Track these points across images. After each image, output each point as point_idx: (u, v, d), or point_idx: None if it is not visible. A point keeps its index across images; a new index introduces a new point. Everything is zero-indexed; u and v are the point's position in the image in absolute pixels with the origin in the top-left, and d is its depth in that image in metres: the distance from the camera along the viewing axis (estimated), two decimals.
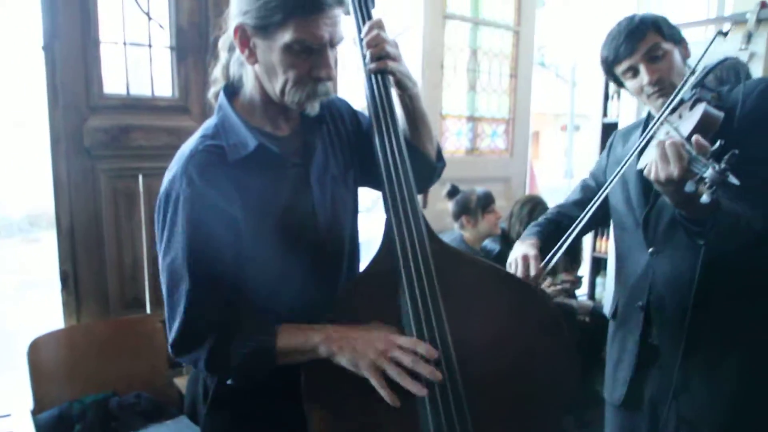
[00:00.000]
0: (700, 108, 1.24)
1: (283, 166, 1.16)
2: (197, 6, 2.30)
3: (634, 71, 1.41)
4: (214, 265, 1.08)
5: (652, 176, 1.13)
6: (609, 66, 1.45)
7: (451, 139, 3.23)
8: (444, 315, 1.09)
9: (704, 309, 1.35)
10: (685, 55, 1.43)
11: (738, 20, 3.17)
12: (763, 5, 3.06)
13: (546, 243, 1.54)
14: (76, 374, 2.14)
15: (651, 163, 1.12)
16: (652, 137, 1.34)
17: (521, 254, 1.43)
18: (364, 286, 1.17)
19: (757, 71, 3.10)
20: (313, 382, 1.07)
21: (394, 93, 1.25)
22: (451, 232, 2.84)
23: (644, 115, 1.61)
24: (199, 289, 1.07)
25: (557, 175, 14.49)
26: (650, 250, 1.47)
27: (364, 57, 1.23)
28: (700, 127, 1.19)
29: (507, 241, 2.87)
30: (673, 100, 1.33)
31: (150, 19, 2.31)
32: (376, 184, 1.24)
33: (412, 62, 3.07)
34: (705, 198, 0.99)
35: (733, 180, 0.97)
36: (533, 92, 3.48)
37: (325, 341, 1.05)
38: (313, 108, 1.15)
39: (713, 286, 1.33)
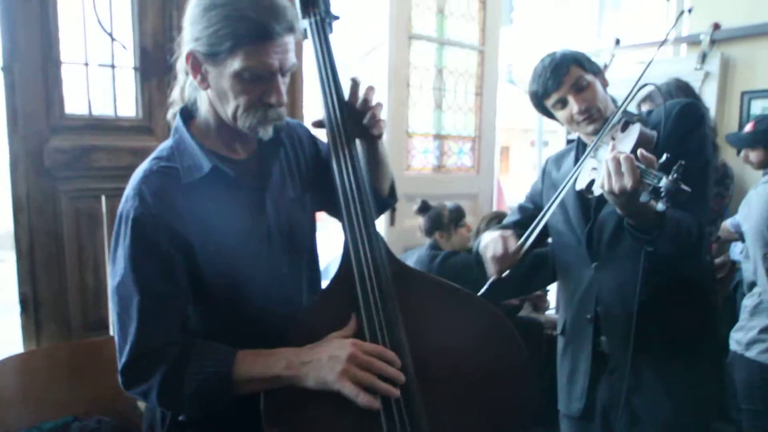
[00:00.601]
0: (636, 128, 1.35)
1: (239, 189, 1.15)
2: (161, 27, 2.29)
3: (563, 102, 1.50)
4: (164, 285, 1.07)
5: (605, 189, 1.19)
6: (539, 100, 1.55)
7: (418, 156, 3.25)
8: (404, 339, 1.09)
9: (648, 313, 1.42)
10: (604, 84, 1.54)
11: (692, 41, 3.28)
12: (715, 26, 3.17)
13: None
14: (35, 399, 2.07)
15: (603, 177, 1.19)
16: (587, 158, 1.42)
17: (498, 234, 1.49)
18: (322, 310, 1.16)
19: (711, 90, 3.20)
20: (274, 406, 1.05)
21: (364, 140, 1.26)
22: (421, 247, 2.85)
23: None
24: (149, 308, 1.05)
25: (527, 189, 14.66)
26: (594, 264, 1.53)
27: (322, 83, 1.24)
28: (639, 144, 1.28)
29: (475, 258, 2.89)
30: (615, 115, 1.43)
31: (113, 39, 2.29)
32: (332, 210, 1.24)
33: (378, 81, 3.10)
34: (660, 206, 1.07)
35: (685, 187, 1.05)
36: (502, 108, 3.54)
37: (287, 369, 1.04)
38: (266, 132, 1.14)
39: (655, 291, 1.42)
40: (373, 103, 1.20)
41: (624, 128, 1.40)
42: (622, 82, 1.63)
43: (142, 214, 1.06)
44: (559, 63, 1.48)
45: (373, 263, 1.12)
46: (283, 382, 1.04)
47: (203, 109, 1.16)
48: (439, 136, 3.32)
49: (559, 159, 1.73)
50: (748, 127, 2.80)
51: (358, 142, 1.26)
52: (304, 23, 1.31)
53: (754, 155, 2.74)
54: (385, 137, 2.97)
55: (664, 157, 1.11)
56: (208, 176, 1.10)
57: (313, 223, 1.35)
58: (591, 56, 1.55)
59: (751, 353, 1.86)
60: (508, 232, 1.50)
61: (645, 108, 2.30)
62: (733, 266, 2.76)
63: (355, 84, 1.21)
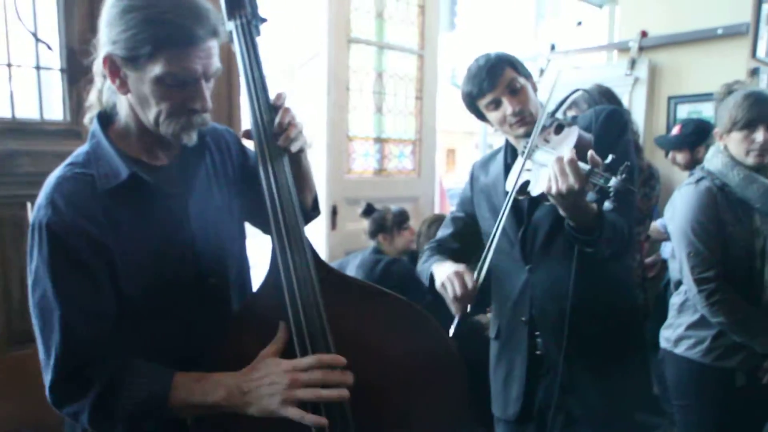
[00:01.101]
0: (574, 130, 1.35)
1: (160, 196, 1.11)
2: (89, 26, 2.20)
3: (497, 104, 1.50)
4: (87, 297, 1.02)
5: (553, 191, 1.20)
6: (472, 100, 1.54)
7: (359, 160, 3.24)
8: (332, 344, 1.07)
9: (580, 313, 1.45)
10: (534, 88, 1.56)
11: (622, 48, 3.39)
12: (643, 34, 3.28)
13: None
14: None
15: (550, 179, 1.21)
16: (526, 159, 1.43)
17: (452, 271, 1.45)
18: (250, 322, 1.13)
19: (640, 95, 3.31)
20: (203, 428, 1.04)
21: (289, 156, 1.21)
22: (364, 251, 2.84)
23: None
24: (73, 321, 1.00)
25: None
26: (528, 266, 1.54)
27: (248, 88, 1.19)
28: (579, 147, 1.29)
29: (415, 261, 2.90)
30: (542, 118, 1.44)
31: (38, 40, 2.19)
32: (258, 220, 1.21)
33: (318, 85, 3.07)
34: (608, 204, 1.11)
35: (632, 187, 1.09)
36: (447, 111, 3.56)
37: (227, 398, 1.01)
38: (190, 139, 1.10)
39: (586, 292, 1.44)
40: (288, 120, 1.15)
41: (558, 131, 1.42)
42: (560, 87, 1.65)
43: (56, 222, 1.01)
44: (495, 64, 1.48)
45: (300, 271, 1.09)
46: (222, 410, 1.01)
47: (123, 114, 1.11)
48: (379, 140, 3.32)
49: (485, 164, 1.73)
50: (675, 130, 2.91)
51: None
52: (229, 26, 1.25)
53: (680, 157, 2.85)
54: (325, 141, 2.97)
55: (610, 158, 1.14)
56: (126, 183, 1.05)
57: (243, 230, 1.31)
58: (527, 61, 1.58)
59: (680, 350, 1.90)
60: (462, 267, 1.46)
61: (571, 113, 2.36)
62: (664, 265, 2.86)
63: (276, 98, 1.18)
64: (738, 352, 1.82)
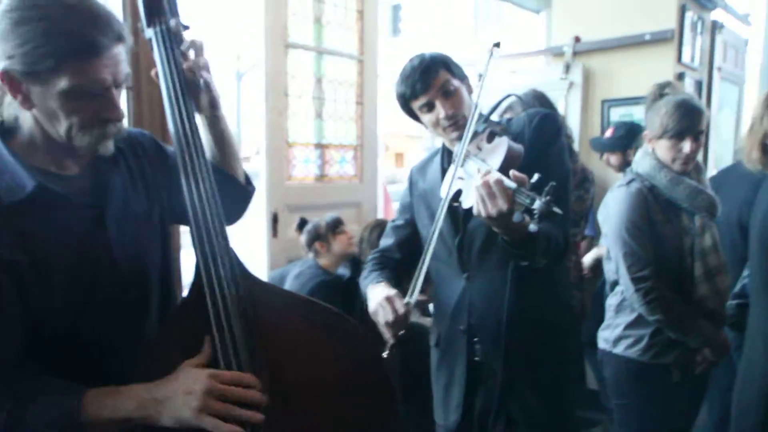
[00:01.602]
0: (503, 143, 1.30)
1: (72, 207, 1.03)
2: None
3: (430, 106, 1.46)
4: None
5: (483, 214, 1.16)
6: (406, 101, 1.50)
7: (299, 166, 3.16)
8: (258, 352, 1.03)
9: (517, 319, 1.43)
10: (469, 90, 1.51)
11: (557, 53, 3.43)
12: (577, 39, 3.33)
13: (391, 281, 1.56)
14: None
15: (477, 203, 1.17)
16: (458, 168, 1.40)
17: (383, 297, 1.40)
18: (173, 335, 1.08)
19: (575, 98, 3.36)
20: None
21: (200, 120, 1.19)
22: (306, 260, 2.77)
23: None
24: None
25: None
26: (465, 275, 1.50)
27: (168, 96, 1.15)
28: (509, 160, 1.25)
29: (357, 266, 2.85)
30: (471, 123, 1.40)
31: None
32: (186, 221, 1.15)
33: (255, 91, 2.98)
34: (533, 227, 1.06)
35: (557, 210, 1.04)
36: (395, 115, 3.50)
37: (139, 409, 0.94)
38: (107, 149, 1.05)
39: (522, 298, 1.43)
40: (195, 58, 1.15)
41: (490, 139, 1.38)
42: (497, 91, 1.63)
43: None
44: (429, 65, 1.43)
45: (225, 281, 1.05)
46: (135, 423, 0.95)
47: (26, 127, 1.02)
48: (320, 146, 3.25)
49: (423, 168, 1.68)
50: (608, 133, 2.95)
51: (200, 125, 1.19)
52: (149, 33, 1.21)
53: (614, 158, 2.90)
54: (264, 147, 2.87)
55: (536, 177, 1.10)
56: (32, 196, 0.97)
57: (167, 237, 1.24)
58: (468, 66, 1.54)
59: (619, 349, 1.91)
60: (392, 292, 1.43)
61: (506, 116, 2.35)
62: (600, 264, 2.90)
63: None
64: (673, 348, 1.85)
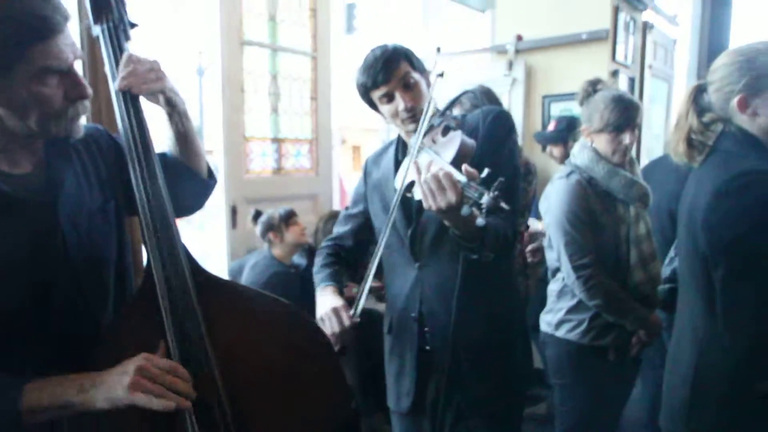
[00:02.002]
0: (457, 137, 1.28)
1: (22, 206, 0.98)
2: None
3: (390, 97, 1.42)
4: None
5: (433, 207, 1.13)
6: (366, 91, 1.45)
7: (257, 160, 3.09)
8: (210, 350, 1.01)
9: (467, 310, 1.41)
10: (428, 84, 1.48)
11: (500, 50, 3.45)
12: (519, 38, 3.35)
13: (341, 279, 1.54)
14: None
15: (427, 196, 1.14)
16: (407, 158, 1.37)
17: (330, 308, 1.38)
18: (124, 327, 1.05)
19: (518, 94, 3.39)
20: None
21: (164, 114, 1.16)
22: (261, 250, 2.73)
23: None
24: None
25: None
26: (417, 264, 1.49)
27: (116, 94, 1.10)
28: (460, 154, 1.24)
29: (314, 256, 2.82)
30: (422, 128, 1.36)
31: None
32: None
33: (212, 87, 2.91)
34: (480, 221, 1.05)
35: (504, 205, 1.02)
36: (352, 109, 3.46)
37: (78, 393, 0.90)
38: (79, 130, 1.02)
39: (472, 289, 1.40)
40: (130, 68, 1.09)
41: (444, 133, 1.35)
42: (446, 86, 1.62)
43: None
44: (390, 57, 1.40)
45: (174, 276, 1.02)
46: (75, 409, 0.90)
47: None
48: (276, 140, 3.19)
49: (377, 158, 1.65)
50: (551, 126, 2.99)
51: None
52: (96, 30, 1.15)
53: (556, 151, 2.93)
54: (222, 142, 2.80)
55: (486, 172, 1.08)
56: None
57: (123, 231, 1.18)
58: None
59: (560, 332, 1.93)
60: (339, 303, 1.40)
61: (456, 112, 2.35)
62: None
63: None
64: (611, 331, 1.88)
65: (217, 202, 3.04)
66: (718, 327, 1.23)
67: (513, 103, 3.30)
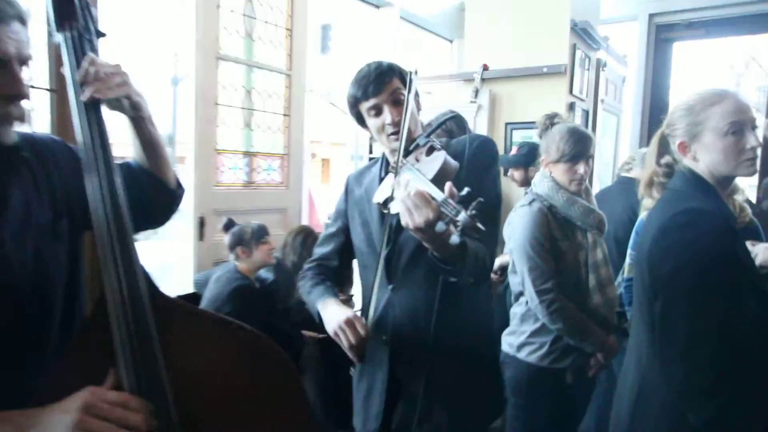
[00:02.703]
0: (440, 157, 1.18)
1: None
2: None
3: (378, 110, 1.33)
4: None
5: (410, 225, 1.03)
6: (356, 102, 1.35)
7: (228, 173, 2.94)
8: (166, 380, 0.88)
9: (441, 338, 1.30)
10: (418, 108, 1.40)
11: (467, 78, 3.41)
12: (485, 67, 3.32)
13: (336, 295, 1.43)
14: None
15: (404, 214, 1.04)
16: (396, 175, 1.27)
17: (343, 319, 1.26)
18: (73, 357, 0.90)
19: (483, 120, 3.34)
20: None
21: (127, 121, 1.04)
22: (226, 264, 2.57)
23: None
24: None
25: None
26: (390, 286, 1.39)
27: (78, 106, 0.97)
28: (442, 173, 1.14)
29: (281, 270, 2.69)
30: (402, 143, 1.28)
31: None
32: None
33: (186, 99, 2.76)
34: (454, 238, 0.95)
35: (480, 225, 0.94)
36: (323, 125, 3.36)
37: None
38: (9, 136, 0.88)
39: (448, 317, 1.29)
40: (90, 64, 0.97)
41: (429, 152, 1.26)
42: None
43: None
44: (384, 71, 1.32)
45: (131, 300, 0.88)
46: None
47: None
48: (248, 153, 3.05)
49: (360, 176, 1.55)
50: (513, 151, 2.95)
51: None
52: (58, 37, 1.01)
53: (517, 174, 2.89)
54: (193, 154, 2.64)
55: (465, 191, 1.00)
56: None
57: (77, 249, 1.04)
58: None
59: (522, 354, 1.87)
60: (351, 314, 1.29)
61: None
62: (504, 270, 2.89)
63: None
64: (570, 354, 1.82)
65: (185, 213, 2.88)
66: (659, 357, 1.19)
67: (478, 128, 3.25)
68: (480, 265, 1.22)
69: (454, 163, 1.20)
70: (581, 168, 1.82)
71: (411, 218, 1.04)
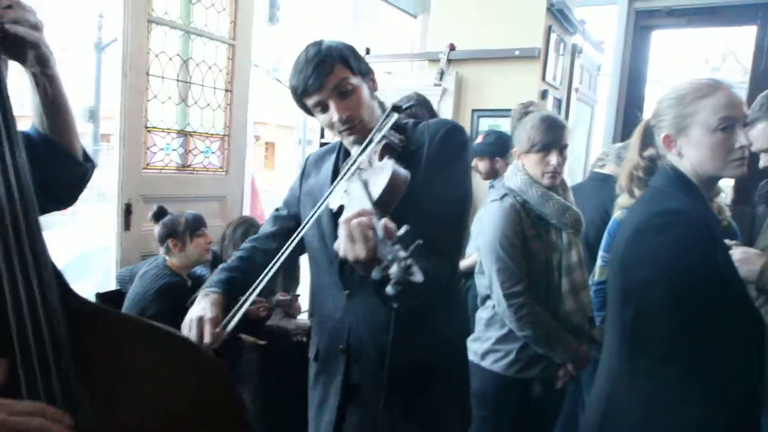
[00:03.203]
0: (389, 167, 1.10)
1: None
2: None
3: (324, 106, 1.27)
4: None
5: (341, 254, 0.97)
6: (299, 97, 1.29)
7: (159, 154, 2.83)
8: (74, 382, 0.83)
9: (401, 346, 1.27)
10: (373, 88, 1.35)
11: (432, 58, 3.40)
12: (451, 47, 3.31)
13: (235, 290, 1.33)
14: None
15: (340, 241, 0.97)
16: (344, 181, 1.21)
17: (196, 316, 1.20)
18: None
19: (447, 105, 3.34)
20: None
21: (30, 76, 0.96)
22: (155, 257, 2.47)
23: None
24: None
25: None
26: (346, 292, 1.34)
27: None
28: (390, 189, 1.07)
29: (217, 266, 2.61)
30: (364, 150, 1.21)
31: None
32: None
33: (113, 69, 2.64)
34: (390, 290, 0.85)
35: (417, 277, 0.84)
36: (268, 105, 3.27)
37: None
38: None
39: (408, 324, 1.25)
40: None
41: (381, 156, 1.20)
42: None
43: None
44: (323, 59, 1.24)
45: (39, 302, 0.81)
46: None
47: None
48: (184, 132, 2.94)
49: (319, 160, 1.49)
50: (479, 139, 2.96)
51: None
52: None
53: (482, 165, 2.90)
54: (119, 131, 2.53)
55: (403, 230, 0.89)
56: None
57: None
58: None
59: (486, 363, 1.88)
60: (209, 315, 1.22)
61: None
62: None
63: None
64: (538, 363, 1.84)
65: (109, 198, 2.76)
66: (629, 363, 1.21)
67: (442, 114, 3.24)
68: (431, 286, 1.17)
69: (403, 174, 1.11)
70: (553, 158, 1.82)
71: (346, 250, 0.97)
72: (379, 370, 1.29)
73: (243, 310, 1.22)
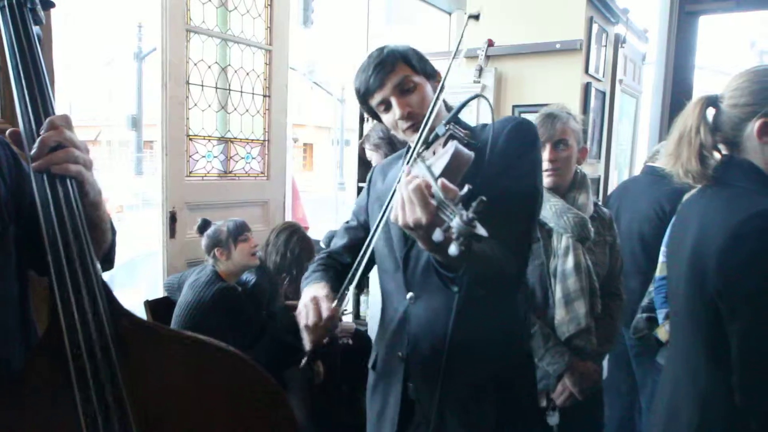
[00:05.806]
0: (451, 147, 1.09)
1: None
2: None
3: (387, 105, 1.28)
4: None
5: (399, 222, 0.95)
6: (363, 98, 1.30)
7: (201, 161, 2.87)
8: (132, 416, 0.84)
9: (458, 355, 1.23)
10: (439, 87, 1.31)
11: (470, 55, 3.34)
12: (490, 43, 3.25)
13: (331, 282, 1.35)
14: None
15: (396, 206, 0.96)
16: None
17: (310, 297, 1.23)
18: (23, 389, 0.85)
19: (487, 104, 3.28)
20: None
21: None
22: (203, 265, 2.50)
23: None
24: None
25: (331, 186, 14.78)
26: (409, 295, 1.31)
27: (17, 85, 0.91)
28: (451, 167, 1.05)
29: (263, 271, 2.62)
30: (422, 135, 1.21)
31: None
32: (36, 252, 0.91)
33: (153, 78, 2.67)
34: (453, 249, 0.83)
35: (481, 231, 0.81)
36: (306, 107, 3.28)
37: None
38: None
39: (466, 331, 1.21)
40: (52, 137, 0.88)
41: (445, 143, 1.17)
42: None
43: None
44: (385, 59, 1.25)
45: (91, 321, 0.84)
46: None
47: None
48: (224, 139, 2.98)
49: (385, 167, 1.48)
50: None
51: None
52: None
53: None
54: (161, 141, 2.56)
55: (465, 189, 0.89)
56: None
57: (21, 262, 0.97)
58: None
59: None
60: (322, 293, 1.24)
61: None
62: None
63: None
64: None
65: (154, 208, 2.80)
66: (726, 382, 1.12)
67: (482, 111, 3.19)
68: (495, 274, 1.13)
69: (466, 153, 1.10)
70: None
71: (401, 213, 0.96)
72: (435, 379, 1.25)
73: (351, 290, 1.25)
